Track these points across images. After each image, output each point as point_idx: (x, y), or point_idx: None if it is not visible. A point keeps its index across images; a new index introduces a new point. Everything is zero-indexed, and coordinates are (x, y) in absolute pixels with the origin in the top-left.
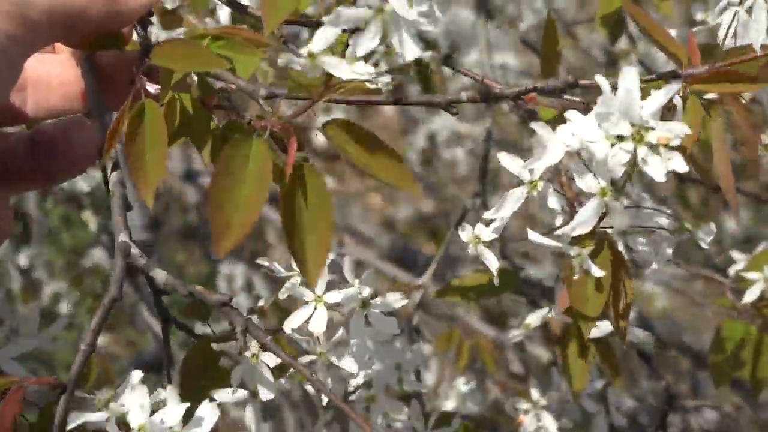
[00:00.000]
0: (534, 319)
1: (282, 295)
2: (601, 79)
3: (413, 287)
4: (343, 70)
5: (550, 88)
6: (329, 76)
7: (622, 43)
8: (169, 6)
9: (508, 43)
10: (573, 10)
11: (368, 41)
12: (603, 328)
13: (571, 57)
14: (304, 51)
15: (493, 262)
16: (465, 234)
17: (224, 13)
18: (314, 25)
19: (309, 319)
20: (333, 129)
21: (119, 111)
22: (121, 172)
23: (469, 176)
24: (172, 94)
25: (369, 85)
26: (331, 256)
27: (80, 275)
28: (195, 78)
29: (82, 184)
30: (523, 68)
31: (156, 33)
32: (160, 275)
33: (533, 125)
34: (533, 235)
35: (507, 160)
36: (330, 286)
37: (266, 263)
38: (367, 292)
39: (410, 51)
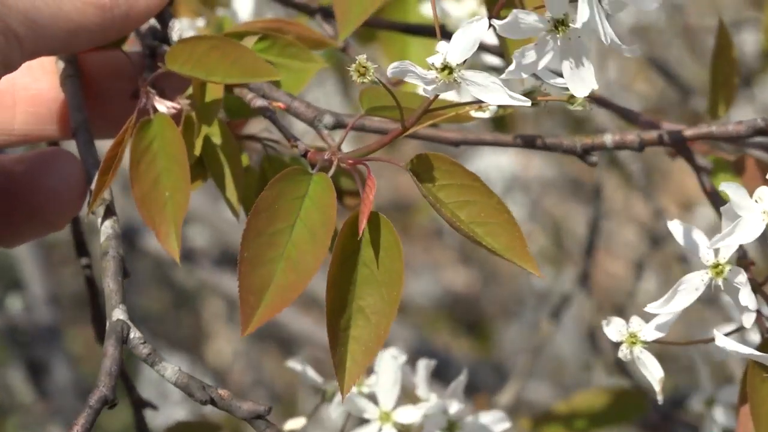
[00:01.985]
0: None
1: (334, 411)
2: None
3: (483, 406)
4: (495, 93)
5: (731, 134)
6: (428, 99)
7: None
8: None
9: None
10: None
11: (539, 59)
12: None
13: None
14: (433, 60)
15: (656, 371)
16: (613, 330)
17: (246, 3)
18: (398, 28)
19: None
20: (425, 166)
21: (117, 135)
22: (116, 220)
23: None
24: (188, 115)
25: (475, 115)
26: (401, 358)
27: None
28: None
29: None
30: (614, 78)
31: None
32: (170, 370)
33: (723, 187)
34: (721, 339)
35: (682, 232)
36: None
37: (298, 367)
38: (455, 407)
39: (587, 83)
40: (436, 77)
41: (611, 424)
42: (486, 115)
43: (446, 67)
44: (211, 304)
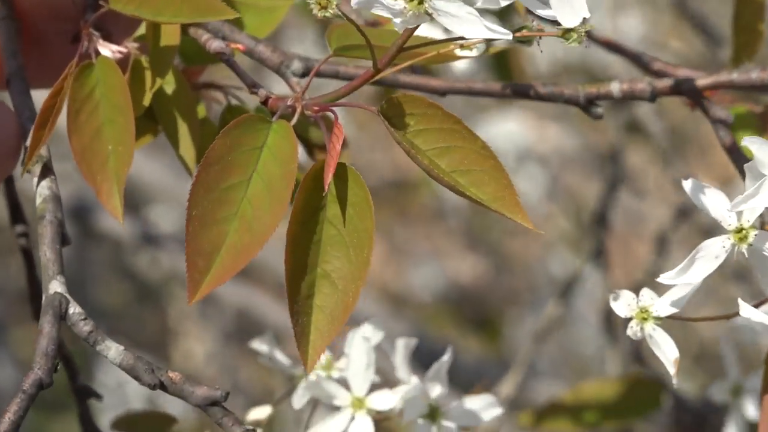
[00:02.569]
0: None
1: (299, 399)
2: None
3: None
4: (471, 24)
5: (755, 82)
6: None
7: None
8: None
9: None
10: None
11: None
12: None
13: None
14: None
15: (671, 350)
16: (621, 304)
17: None
18: None
19: None
20: (399, 109)
21: (56, 82)
22: (54, 180)
23: (540, 223)
24: (136, 59)
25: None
26: (376, 336)
27: None
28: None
29: None
30: (647, 35)
31: None
32: (114, 350)
33: (746, 142)
34: (747, 310)
35: (700, 192)
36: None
37: (264, 348)
38: (437, 391)
39: (577, 11)
40: (405, 7)
41: (625, 417)
42: (474, 53)
43: None
44: (179, 297)
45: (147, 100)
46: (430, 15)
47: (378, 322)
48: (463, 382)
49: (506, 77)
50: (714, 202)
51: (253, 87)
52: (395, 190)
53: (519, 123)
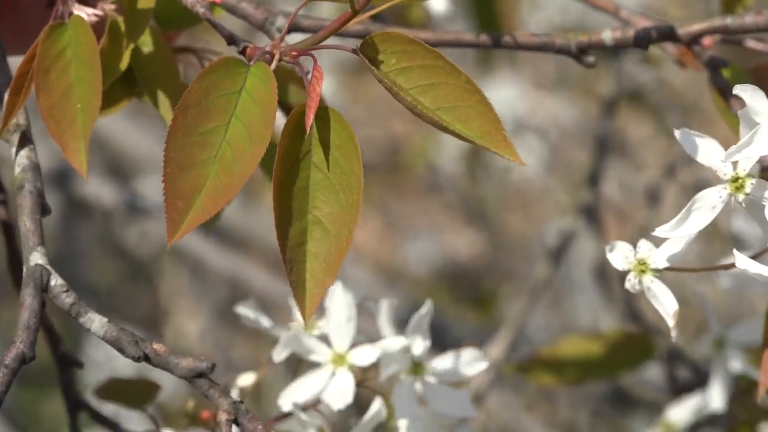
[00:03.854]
0: (683, 413)
1: (278, 354)
2: None
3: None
4: None
5: (749, 27)
6: None
7: None
8: None
9: None
10: None
11: None
12: None
13: None
14: None
15: (670, 303)
16: (618, 256)
17: None
18: None
19: (323, 390)
20: (380, 48)
21: (31, 47)
22: (33, 149)
23: (538, 197)
24: (113, 21)
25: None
26: (353, 298)
27: None
28: None
29: None
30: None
31: None
32: (97, 322)
33: (737, 90)
34: (742, 260)
35: (693, 142)
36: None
37: (249, 313)
38: (421, 346)
39: None
40: None
41: (612, 371)
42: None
43: None
44: (171, 273)
45: (124, 64)
46: None
47: (360, 284)
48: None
49: (489, 25)
50: (708, 151)
51: (230, 38)
52: (390, 165)
53: (518, 90)
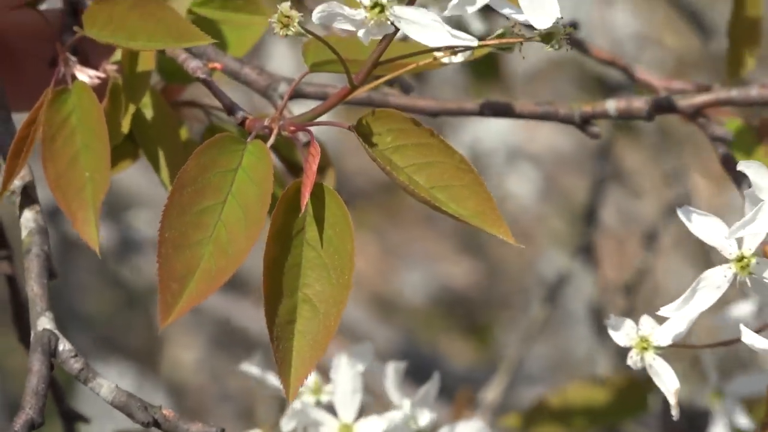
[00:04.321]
0: None
1: (286, 425)
2: None
3: (466, 406)
4: (436, 32)
5: (755, 100)
6: (378, 49)
7: None
8: None
9: None
10: None
11: None
12: None
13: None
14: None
15: (671, 380)
16: (621, 333)
17: None
18: None
19: None
20: (374, 126)
21: (31, 111)
22: (39, 211)
23: (533, 225)
24: (115, 83)
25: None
26: (366, 354)
27: None
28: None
29: None
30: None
31: None
32: (105, 387)
33: (742, 166)
34: (748, 336)
35: (696, 220)
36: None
37: (254, 371)
38: (426, 419)
39: (548, 12)
40: (366, 17)
41: (613, 419)
42: (459, 59)
43: (376, 4)
44: None
45: (126, 127)
46: (392, 23)
47: (365, 347)
48: (452, 388)
49: (491, 74)
50: (711, 229)
51: (230, 109)
52: (386, 192)
53: (510, 120)
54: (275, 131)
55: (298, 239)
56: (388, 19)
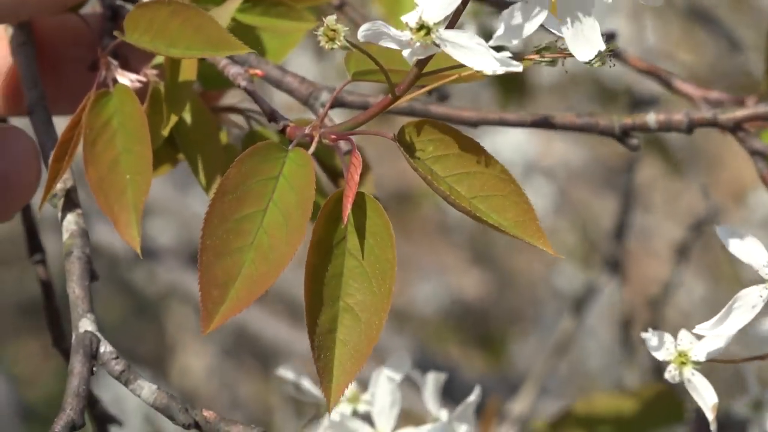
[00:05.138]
0: None
1: None
2: None
3: (493, 416)
4: (481, 56)
5: None
6: (421, 62)
7: None
8: None
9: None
10: None
11: (530, 19)
12: None
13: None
14: (408, 19)
15: (710, 395)
16: (660, 348)
17: None
18: None
19: None
20: (416, 136)
21: (74, 114)
22: (81, 214)
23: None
24: (155, 87)
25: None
26: (404, 367)
27: None
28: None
29: None
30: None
31: None
32: (147, 389)
33: None
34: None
35: (735, 240)
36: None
37: (290, 376)
38: (464, 430)
39: (593, 44)
40: (411, 39)
41: (644, 429)
42: (501, 71)
43: (422, 27)
44: (176, 312)
45: (166, 131)
46: (438, 45)
47: (402, 358)
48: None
49: (512, 88)
50: (749, 250)
51: (271, 115)
52: (399, 204)
53: (527, 133)
54: (316, 139)
55: (339, 249)
56: (434, 42)
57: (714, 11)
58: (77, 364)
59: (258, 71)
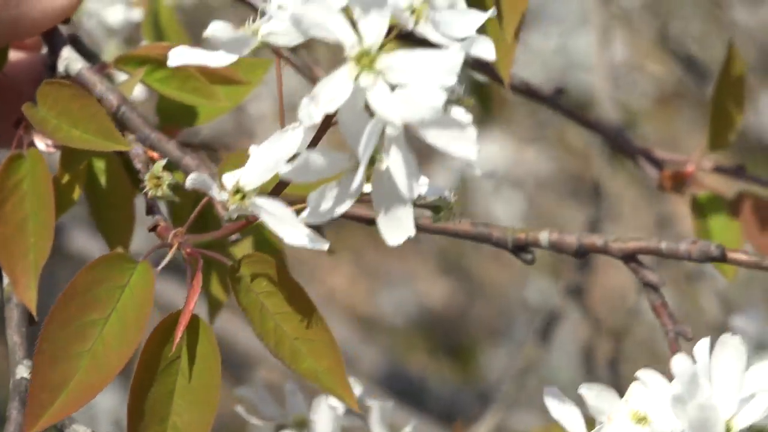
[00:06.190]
0: None
1: None
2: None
3: None
4: (291, 229)
5: (682, 255)
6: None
7: None
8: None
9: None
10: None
11: (339, 203)
12: None
13: None
14: (226, 180)
15: None
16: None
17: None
18: None
19: None
20: (251, 268)
21: None
22: None
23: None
24: (66, 150)
25: None
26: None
27: None
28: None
29: None
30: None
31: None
32: None
33: (675, 364)
34: None
35: (558, 409)
36: None
37: (252, 395)
38: None
39: (404, 229)
40: (227, 200)
41: None
42: (309, 245)
43: (238, 191)
44: (152, 321)
45: (76, 195)
46: (251, 211)
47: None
48: (436, 411)
49: (485, 106)
50: (569, 415)
51: (149, 209)
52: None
53: (499, 145)
54: (172, 250)
55: (173, 368)
56: (248, 208)
57: (685, 24)
58: (13, 410)
59: (155, 154)
